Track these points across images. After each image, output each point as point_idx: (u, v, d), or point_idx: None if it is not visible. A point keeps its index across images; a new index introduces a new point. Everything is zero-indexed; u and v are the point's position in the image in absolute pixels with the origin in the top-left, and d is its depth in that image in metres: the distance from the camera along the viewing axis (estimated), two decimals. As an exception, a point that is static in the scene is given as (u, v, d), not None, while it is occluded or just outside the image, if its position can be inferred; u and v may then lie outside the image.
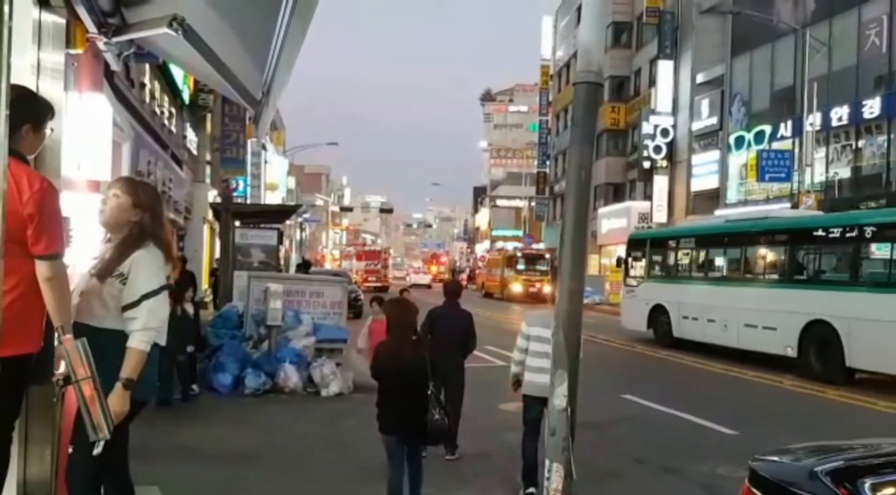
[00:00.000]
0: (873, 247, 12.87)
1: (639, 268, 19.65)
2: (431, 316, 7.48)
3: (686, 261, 18.43)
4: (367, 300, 10.61)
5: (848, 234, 13.21)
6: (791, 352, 13.67)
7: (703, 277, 17.44)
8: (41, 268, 2.90)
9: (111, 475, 3.33)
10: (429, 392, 5.07)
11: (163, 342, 3.30)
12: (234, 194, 28.10)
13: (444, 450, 7.14)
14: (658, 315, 18.08)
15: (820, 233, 14.09)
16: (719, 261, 17.37)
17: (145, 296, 3.11)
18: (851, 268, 13.22)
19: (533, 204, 63.34)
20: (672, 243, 18.96)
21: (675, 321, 17.46)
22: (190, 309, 10.04)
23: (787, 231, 14.90)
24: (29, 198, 2.85)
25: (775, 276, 15.03)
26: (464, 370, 7.31)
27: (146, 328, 3.08)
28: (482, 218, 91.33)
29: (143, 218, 3.27)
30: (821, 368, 12.98)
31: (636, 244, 20.39)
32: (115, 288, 3.14)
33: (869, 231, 12.78)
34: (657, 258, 19.26)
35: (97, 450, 2.97)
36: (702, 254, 17.77)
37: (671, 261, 18.87)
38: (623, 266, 20.66)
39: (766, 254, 15.83)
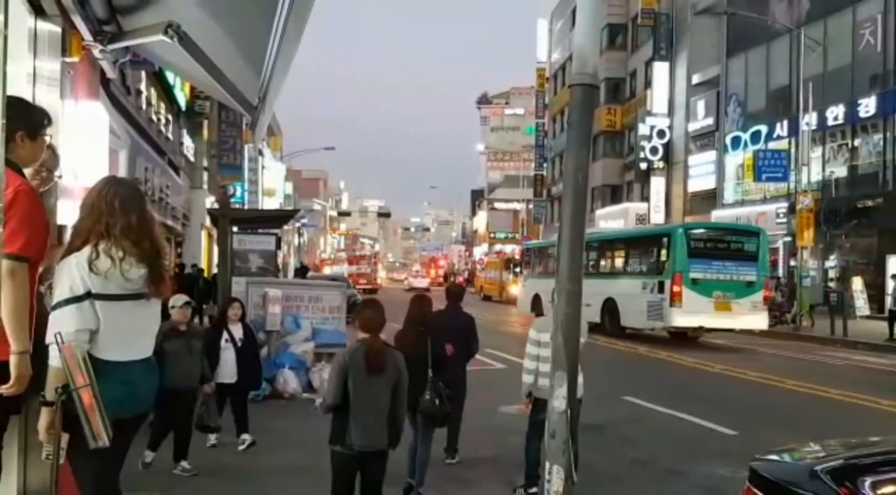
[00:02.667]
0: (629, 251, 20.97)
1: (527, 268, 27.98)
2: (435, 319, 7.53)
3: (550, 262, 25.39)
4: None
5: (620, 243, 22.04)
6: (598, 319, 19.77)
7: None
8: (3, 266, 2.84)
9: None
10: (428, 378, 5.84)
11: (115, 356, 3.00)
12: (232, 200, 28.10)
13: (444, 454, 7.14)
14: (537, 301, 23.90)
15: (609, 242, 22.61)
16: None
17: (52, 309, 2.93)
18: (623, 263, 21.06)
19: (531, 206, 63.39)
20: (543, 250, 26.80)
21: (545, 305, 23.71)
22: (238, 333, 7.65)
23: (597, 241, 22.30)
24: (5, 198, 2.84)
25: (592, 270, 21.49)
26: (465, 373, 7.30)
27: (47, 343, 2.88)
28: (480, 221, 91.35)
29: (73, 227, 3.10)
30: (610, 329, 19.74)
31: (526, 251, 29.70)
32: (49, 299, 3.07)
33: (627, 241, 21.80)
34: (536, 261, 27.21)
35: (44, 454, 2.89)
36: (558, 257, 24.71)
37: (542, 262, 26.47)
38: (520, 267, 29.99)
39: (590, 256, 22.30)
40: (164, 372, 5.62)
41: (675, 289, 17.29)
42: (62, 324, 2.87)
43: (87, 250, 2.98)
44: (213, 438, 7.31)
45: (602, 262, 22.16)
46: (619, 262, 21.35)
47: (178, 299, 6.56)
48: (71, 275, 2.93)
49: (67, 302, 2.90)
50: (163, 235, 3.36)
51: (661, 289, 17.77)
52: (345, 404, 4.19)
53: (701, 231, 19.32)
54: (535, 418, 5.97)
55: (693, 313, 17.32)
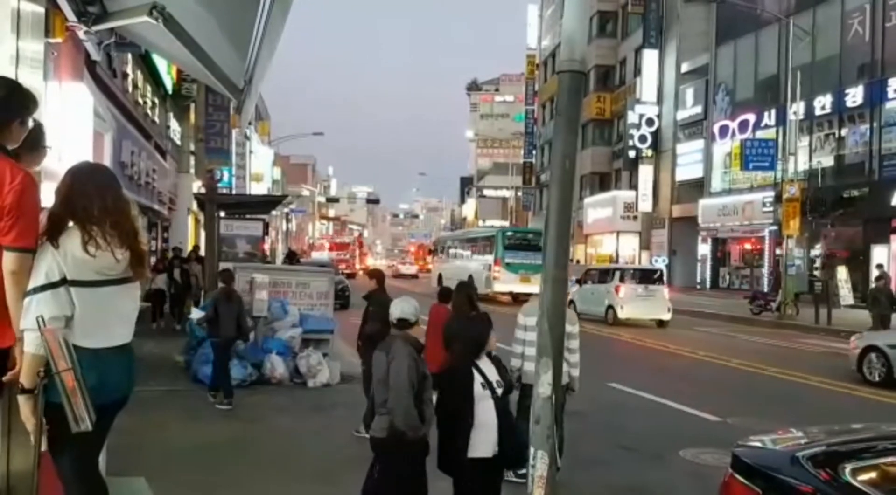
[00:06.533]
0: (478, 244, 31.78)
1: (436, 256, 38.84)
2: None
3: (448, 251, 36.31)
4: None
5: (477, 239, 32.77)
6: None
7: (454, 258, 34.73)
8: (6, 260, 2.83)
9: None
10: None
11: (88, 343, 2.95)
12: (219, 185, 27.87)
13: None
14: (441, 279, 31.29)
15: (472, 238, 34.19)
16: (457, 251, 35.07)
17: (26, 295, 2.87)
18: (476, 252, 31.69)
19: (519, 194, 63.38)
20: (445, 242, 38.46)
21: (445, 281, 30.63)
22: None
23: (468, 238, 35.13)
24: (9, 191, 2.81)
25: (469, 255, 32.81)
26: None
27: (22, 329, 2.85)
28: (469, 208, 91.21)
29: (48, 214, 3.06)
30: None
31: (436, 242, 42.53)
32: None
33: (477, 238, 33.06)
34: (441, 250, 37.70)
35: (34, 439, 2.89)
36: (454, 248, 35.84)
37: (445, 251, 36.67)
38: (433, 254, 41.67)
39: (468, 246, 33.71)
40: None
41: (496, 268, 27.82)
42: (36, 310, 2.83)
43: (72, 235, 2.94)
44: None
45: (470, 250, 33.31)
46: (475, 251, 32.08)
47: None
48: (46, 261, 2.90)
49: (43, 288, 2.86)
50: (139, 218, 3.29)
51: (489, 268, 28.13)
52: None
53: (513, 233, 30.49)
54: (522, 403, 6.00)
55: (507, 284, 27.74)
